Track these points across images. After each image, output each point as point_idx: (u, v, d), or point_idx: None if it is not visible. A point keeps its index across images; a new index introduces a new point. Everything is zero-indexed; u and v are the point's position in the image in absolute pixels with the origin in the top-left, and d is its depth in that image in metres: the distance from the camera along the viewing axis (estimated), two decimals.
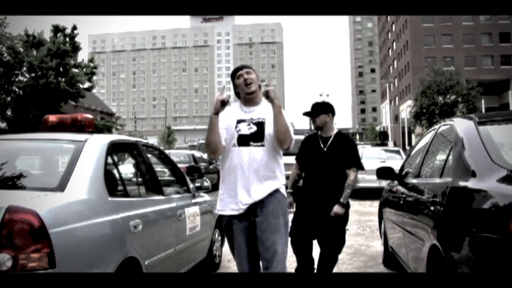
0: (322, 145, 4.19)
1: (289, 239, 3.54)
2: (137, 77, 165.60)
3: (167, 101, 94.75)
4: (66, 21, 24.99)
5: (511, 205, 2.02)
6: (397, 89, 70.06)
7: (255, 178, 3.06)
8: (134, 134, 48.52)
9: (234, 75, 3.23)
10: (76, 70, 26.73)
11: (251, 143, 3.10)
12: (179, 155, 16.35)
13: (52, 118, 3.80)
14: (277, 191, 3.12)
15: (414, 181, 3.98)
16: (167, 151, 9.43)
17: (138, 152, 3.96)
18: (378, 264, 5.51)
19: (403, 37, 65.78)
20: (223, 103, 2.99)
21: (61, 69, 25.37)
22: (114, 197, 3.12)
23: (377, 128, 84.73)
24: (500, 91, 58.08)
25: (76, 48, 26.95)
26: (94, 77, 29.10)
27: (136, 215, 3.26)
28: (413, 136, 49.06)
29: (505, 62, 58.32)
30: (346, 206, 4.14)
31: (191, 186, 4.83)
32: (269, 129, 3.11)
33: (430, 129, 4.31)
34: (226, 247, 6.05)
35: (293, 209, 4.31)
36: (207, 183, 5.19)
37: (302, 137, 5.11)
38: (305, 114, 4.38)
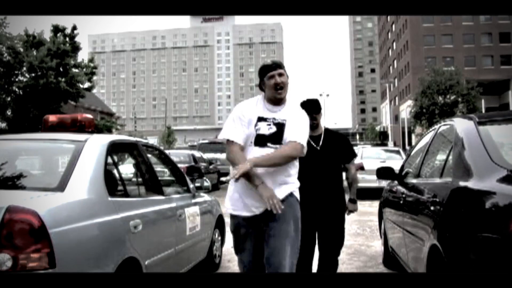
0: (314, 144, 3.96)
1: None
2: (137, 77, 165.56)
3: (167, 101, 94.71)
4: (66, 21, 25.01)
5: (511, 205, 2.02)
6: (397, 89, 70.06)
7: (270, 181, 2.90)
8: (134, 134, 48.50)
9: (265, 72, 3.03)
10: (76, 70, 26.71)
11: (268, 144, 2.96)
12: (179, 155, 16.35)
13: (52, 118, 3.80)
14: (290, 194, 3.00)
15: (414, 181, 3.98)
16: (167, 151, 9.43)
17: (138, 152, 3.96)
18: (378, 264, 5.51)
19: (403, 37, 65.77)
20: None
21: (61, 69, 25.35)
22: (114, 197, 3.12)
23: (377, 128, 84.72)
24: (500, 91, 58.08)
25: (76, 48, 26.93)
26: (94, 77, 29.08)
27: (136, 215, 3.26)
28: (413, 136, 49.05)
29: (505, 62, 58.32)
30: (343, 199, 4.05)
31: (191, 186, 4.83)
32: (288, 132, 2.97)
33: (430, 129, 4.31)
34: (226, 247, 6.06)
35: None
36: (207, 183, 5.19)
37: None
38: (311, 109, 3.94)
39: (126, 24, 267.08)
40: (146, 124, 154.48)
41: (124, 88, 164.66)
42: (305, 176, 3.75)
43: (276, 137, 2.97)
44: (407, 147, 38.44)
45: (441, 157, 3.58)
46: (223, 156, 19.56)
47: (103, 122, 30.83)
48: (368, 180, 12.85)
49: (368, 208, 10.93)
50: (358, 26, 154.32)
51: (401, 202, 4.07)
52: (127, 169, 4.26)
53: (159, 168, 4.51)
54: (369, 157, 14.33)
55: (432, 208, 2.97)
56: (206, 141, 22.21)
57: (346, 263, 5.50)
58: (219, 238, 5.56)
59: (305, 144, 2.98)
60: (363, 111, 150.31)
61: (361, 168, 13.67)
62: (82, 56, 33.15)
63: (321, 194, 3.92)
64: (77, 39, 27.14)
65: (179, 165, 5.22)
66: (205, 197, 5.20)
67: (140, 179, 3.99)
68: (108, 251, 2.88)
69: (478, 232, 2.19)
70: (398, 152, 15.06)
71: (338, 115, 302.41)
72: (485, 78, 53.03)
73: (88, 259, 2.69)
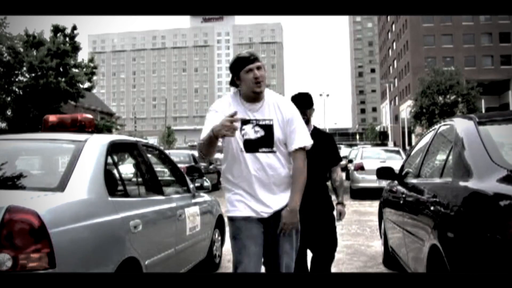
0: None
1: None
2: (137, 77, 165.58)
3: (167, 101, 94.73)
4: (66, 21, 25.01)
5: (511, 205, 2.02)
6: (397, 89, 70.06)
7: (274, 187, 2.80)
8: (134, 134, 48.52)
9: (242, 65, 2.76)
10: (76, 70, 26.72)
11: (259, 149, 2.77)
12: (179, 155, 16.35)
13: (52, 118, 3.80)
14: None
15: (414, 181, 3.98)
16: (167, 151, 9.43)
17: (138, 152, 3.96)
18: (378, 264, 5.51)
19: (403, 37, 65.77)
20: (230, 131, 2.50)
21: (61, 69, 25.36)
22: (114, 197, 3.12)
23: (377, 128, 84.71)
24: (500, 91, 58.10)
25: (76, 48, 26.94)
26: (94, 77, 29.09)
27: (136, 215, 3.26)
28: (413, 136, 49.04)
29: (505, 62, 58.33)
30: (330, 202, 3.83)
31: (191, 186, 4.83)
32: (278, 133, 2.80)
33: (430, 129, 4.31)
34: (226, 247, 6.05)
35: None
36: (207, 183, 5.19)
37: None
38: (301, 103, 3.63)
39: (126, 24, 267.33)
40: (146, 124, 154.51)
41: (124, 88, 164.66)
42: None
43: (267, 141, 2.78)
44: (407, 147, 38.43)
45: (441, 157, 3.58)
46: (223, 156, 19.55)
47: (103, 122, 30.84)
48: (368, 180, 12.85)
49: (368, 208, 10.93)
50: (358, 26, 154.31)
51: (401, 202, 4.07)
52: (127, 169, 4.26)
53: (159, 168, 4.51)
54: (369, 157, 14.34)
55: (432, 208, 2.97)
56: None
57: (346, 263, 5.50)
58: (219, 238, 5.56)
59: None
60: (363, 111, 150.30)
61: (361, 168, 13.68)
62: (82, 56, 33.21)
63: (307, 198, 3.33)
64: (77, 39, 27.18)
65: (179, 165, 5.22)
66: (205, 197, 5.20)
67: (140, 179, 3.99)
68: (108, 251, 2.88)
69: (478, 232, 2.19)
70: (398, 152, 15.06)
71: (338, 115, 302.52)
72: (485, 78, 53.11)
73: (88, 259, 2.69)
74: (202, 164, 16.10)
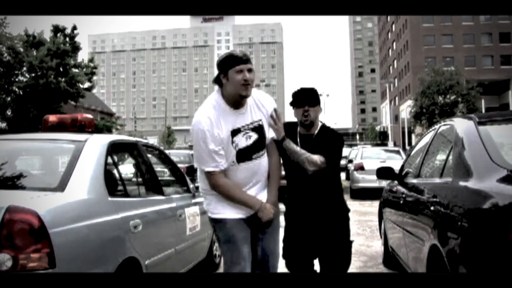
0: (299, 143, 3.07)
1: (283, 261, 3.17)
2: (137, 77, 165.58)
3: (167, 101, 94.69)
4: (66, 21, 25.02)
5: (511, 205, 2.02)
6: (397, 89, 70.06)
7: (257, 187, 2.80)
8: (134, 134, 48.51)
9: (233, 63, 2.58)
10: (76, 70, 26.75)
11: (253, 156, 2.68)
12: (179, 155, 16.34)
13: (52, 118, 3.80)
14: None
15: (414, 181, 3.97)
16: (167, 151, 9.43)
17: (138, 152, 3.96)
18: (378, 264, 5.51)
19: (403, 37, 65.77)
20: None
21: (61, 69, 25.39)
22: (114, 197, 3.12)
23: (377, 128, 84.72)
24: (500, 91, 58.09)
25: (76, 48, 26.96)
26: (94, 77, 29.13)
27: (136, 215, 3.26)
28: (413, 136, 49.05)
29: (505, 62, 58.32)
30: (346, 211, 3.21)
31: (191, 186, 4.82)
32: (267, 132, 2.77)
33: (430, 129, 4.31)
34: None
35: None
36: None
37: None
38: (303, 100, 3.06)
39: (126, 24, 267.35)
40: (146, 124, 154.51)
41: (124, 88, 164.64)
42: (294, 185, 3.12)
43: (259, 144, 2.70)
44: (407, 147, 38.43)
45: (441, 157, 3.58)
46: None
47: (103, 122, 30.85)
48: (368, 180, 12.86)
49: (368, 208, 10.92)
50: (358, 26, 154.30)
51: (401, 202, 4.07)
52: (127, 169, 4.26)
53: (159, 168, 4.51)
54: (369, 157, 14.34)
55: (432, 208, 2.96)
56: None
57: None
58: None
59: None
60: (363, 111, 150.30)
61: (361, 168, 13.68)
62: (82, 56, 33.21)
63: (317, 204, 3.08)
64: (77, 39, 27.21)
65: (179, 165, 5.22)
66: None
67: (140, 179, 3.99)
68: (108, 251, 2.88)
69: (478, 232, 2.19)
70: (398, 152, 15.07)
71: (338, 115, 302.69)
72: (485, 78, 53.08)
73: (88, 259, 2.69)
74: None
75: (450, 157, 3.11)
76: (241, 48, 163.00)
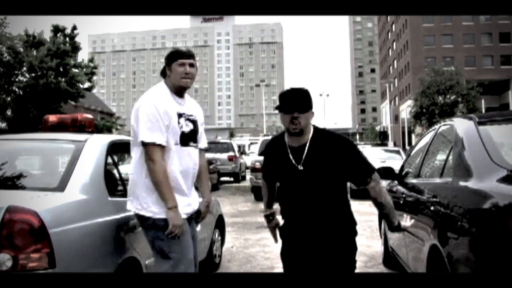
0: (293, 160, 2.55)
1: None
2: (137, 77, 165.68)
3: None
4: (66, 21, 25.02)
5: (511, 205, 2.02)
6: (397, 89, 70.07)
7: (192, 182, 2.96)
8: None
9: (176, 57, 2.83)
10: (76, 70, 26.73)
11: (190, 143, 2.88)
12: None
13: (52, 118, 3.80)
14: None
15: (414, 181, 3.98)
16: None
17: None
18: (378, 264, 5.51)
19: (403, 37, 65.78)
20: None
21: (61, 69, 25.37)
22: (114, 197, 3.12)
23: (377, 128, 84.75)
24: (500, 91, 58.10)
25: (76, 48, 26.95)
26: (94, 77, 29.10)
27: None
28: (413, 136, 49.04)
29: (505, 62, 58.34)
30: (353, 225, 2.66)
31: None
32: (200, 129, 2.99)
33: (430, 129, 4.31)
34: (226, 247, 6.06)
35: (277, 241, 2.83)
36: None
37: None
38: (286, 107, 2.50)
39: (126, 24, 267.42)
40: None
41: (124, 88, 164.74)
42: (287, 206, 2.64)
43: (194, 135, 2.91)
44: (407, 147, 38.42)
45: (441, 157, 3.58)
46: (223, 156, 19.55)
47: (103, 122, 30.82)
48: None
49: (368, 208, 10.90)
50: (358, 26, 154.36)
51: (401, 202, 4.07)
52: (127, 169, 4.25)
53: None
54: (369, 157, 14.30)
55: (432, 208, 2.97)
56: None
57: None
58: (219, 238, 5.55)
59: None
60: (363, 111, 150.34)
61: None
62: (82, 56, 33.17)
63: (314, 229, 2.55)
64: (77, 39, 27.18)
65: None
66: None
67: None
68: (108, 251, 2.88)
69: (478, 232, 2.19)
70: (398, 152, 15.08)
71: (338, 115, 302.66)
72: (485, 78, 53.09)
73: (88, 259, 2.69)
74: None
75: (450, 157, 3.11)
76: (241, 48, 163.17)
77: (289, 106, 2.48)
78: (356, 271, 2.62)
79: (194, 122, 2.91)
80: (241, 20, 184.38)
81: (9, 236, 2.31)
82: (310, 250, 2.55)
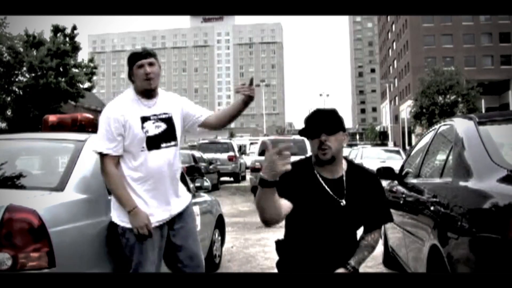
0: (332, 193, 2.30)
1: None
2: None
3: None
4: (66, 21, 25.02)
5: (511, 205, 2.02)
6: (397, 89, 70.06)
7: (176, 182, 2.92)
8: None
9: (134, 60, 2.76)
10: (76, 70, 26.75)
11: (162, 144, 2.76)
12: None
13: (52, 118, 3.79)
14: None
15: (414, 181, 3.98)
16: None
17: None
18: (378, 264, 5.51)
19: (403, 37, 65.78)
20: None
21: (61, 69, 25.39)
22: None
23: (377, 128, 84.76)
24: (500, 91, 58.10)
25: (76, 48, 26.96)
26: (94, 77, 29.11)
27: None
28: (413, 136, 49.05)
29: (505, 62, 58.34)
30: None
31: (191, 186, 4.82)
32: (178, 125, 2.85)
33: (430, 129, 4.31)
34: (226, 247, 6.05)
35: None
36: (207, 183, 5.18)
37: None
38: (312, 131, 2.27)
39: (126, 24, 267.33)
40: None
41: (124, 88, 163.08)
42: (308, 240, 2.37)
43: (168, 135, 2.79)
44: (407, 147, 38.42)
45: (441, 157, 3.58)
46: (223, 156, 19.56)
47: None
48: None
49: None
50: (358, 26, 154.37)
51: (401, 202, 4.07)
52: None
53: None
54: (369, 157, 14.37)
55: (432, 208, 2.96)
56: (206, 141, 22.18)
57: None
58: (219, 238, 5.56)
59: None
60: (363, 111, 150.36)
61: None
62: (82, 56, 33.16)
63: (323, 264, 2.37)
64: (77, 39, 27.20)
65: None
66: (205, 197, 5.19)
67: None
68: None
69: (478, 232, 2.19)
70: (398, 152, 15.11)
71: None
72: (485, 78, 53.08)
73: (88, 258, 2.69)
74: (202, 164, 16.11)
75: (450, 157, 3.11)
76: (241, 48, 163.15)
77: (315, 128, 2.21)
78: None
79: (167, 120, 2.80)
80: (241, 20, 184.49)
81: (8, 235, 2.31)
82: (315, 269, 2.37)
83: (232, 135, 66.05)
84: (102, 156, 2.70)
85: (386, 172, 4.66)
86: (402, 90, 68.00)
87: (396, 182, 4.69)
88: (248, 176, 16.09)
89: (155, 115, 2.78)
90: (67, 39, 26.77)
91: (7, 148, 3.50)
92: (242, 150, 27.25)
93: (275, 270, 2.62)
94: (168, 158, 2.79)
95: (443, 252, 2.54)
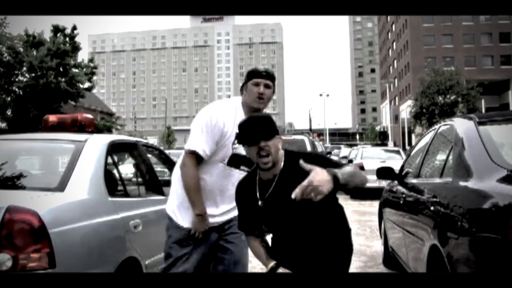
0: (258, 196, 2.27)
1: None
2: (137, 77, 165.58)
3: (167, 101, 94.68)
4: (66, 21, 25.01)
5: (511, 205, 2.02)
6: (397, 89, 70.05)
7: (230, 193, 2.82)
8: (134, 134, 48.49)
9: (253, 76, 2.70)
10: (76, 70, 26.72)
11: (242, 167, 2.72)
12: (179, 155, 16.31)
13: (52, 118, 3.80)
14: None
15: (414, 181, 3.98)
16: (167, 151, 9.42)
17: (138, 152, 3.96)
18: (378, 264, 5.51)
19: (403, 37, 65.77)
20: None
21: (61, 69, 25.36)
22: (114, 197, 3.12)
23: (377, 128, 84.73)
24: (500, 91, 58.08)
25: (76, 48, 26.93)
26: (94, 77, 29.09)
27: (136, 215, 3.26)
28: (413, 136, 49.05)
29: (505, 62, 58.32)
30: (349, 253, 2.47)
31: None
32: None
33: (430, 129, 4.31)
34: None
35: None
36: None
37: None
38: (249, 138, 2.18)
39: (126, 24, 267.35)
40: (146, 124, 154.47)
41: (124, 88, 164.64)
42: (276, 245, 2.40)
43: (250, 162, 2.49)
44: (407, 147, 38.41)
45: (441, 157, 3.58)
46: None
47: (103, 122, 30.83)
48: (368, 180, 12.85)
49: (368, 208, 10.93)
50: (358, 26, 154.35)
51: (401, 202, 4.07)
52: (127, 169, 4.25)
53: (159, 168, 4.51)
54: (369, 157, 14.36)
55: (432, 208, 2.97)
56: None
57: None
58: None
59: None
60: (363, 111, 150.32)
61: (361, 168, 13.69)
62: (82, 56, 33.18)
63: (311, 259, 2.34)
64: (77, 39, 27.15)
65: None
66: None
67: (140, 179, 3.99)
68: (108, 251, 2.88)
69: (478, 232, 2.19)
70: (398, 152, 15.10)
71: (338, 115, 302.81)
72: (485, 78, 53.04)
73: (88, 259, 2.69)
74: None
75: (450, 157, 3.11)
76: (241, 48, 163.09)
77: (252, 136, 2.15)
78: (356, 271, 2.62)
79: None
80: (241, 20, 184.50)
81: (9, 236, 2.31)
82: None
83: None
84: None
85: (386, 172, 4.66)
86: (402, 90, 67.98)
87: (396, 182, 4.69)
88: None
89: None
90: (67, 39, 26.73)
91: (7, 148, 3.50)
92: None
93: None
94: (237, 179, 2.60)
95: (443, 252, 2.54)
